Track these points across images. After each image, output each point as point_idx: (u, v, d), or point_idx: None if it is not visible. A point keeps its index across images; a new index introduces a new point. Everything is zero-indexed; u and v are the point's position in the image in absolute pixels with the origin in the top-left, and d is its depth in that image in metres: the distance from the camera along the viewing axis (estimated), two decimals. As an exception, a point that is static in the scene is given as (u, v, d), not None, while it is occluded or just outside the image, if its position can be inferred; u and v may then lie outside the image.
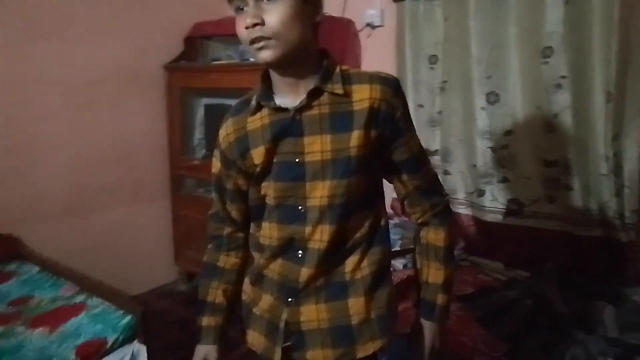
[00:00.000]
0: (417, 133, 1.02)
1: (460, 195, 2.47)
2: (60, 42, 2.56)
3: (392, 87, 0.94)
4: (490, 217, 2.35)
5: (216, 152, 1.08)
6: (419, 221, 1.06)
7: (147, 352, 1.66)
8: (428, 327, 1.05)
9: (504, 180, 2.30)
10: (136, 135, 2.97)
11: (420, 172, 1.02)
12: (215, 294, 1.12)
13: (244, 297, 1.11)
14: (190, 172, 3.00)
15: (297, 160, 0.94)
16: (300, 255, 0.97)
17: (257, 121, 0.98)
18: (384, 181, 1.05)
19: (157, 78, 3.02)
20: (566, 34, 2.03)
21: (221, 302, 1.12)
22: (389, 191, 1.08)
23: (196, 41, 3.08)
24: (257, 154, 0.97)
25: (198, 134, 3.16)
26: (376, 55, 2.74)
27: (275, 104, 0.95)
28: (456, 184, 2.48)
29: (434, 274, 1.05)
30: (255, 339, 1.05)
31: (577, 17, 2.00)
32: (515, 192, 2.28)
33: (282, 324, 0.99)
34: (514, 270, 2.15)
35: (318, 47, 0.97)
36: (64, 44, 2.57)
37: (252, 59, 2.21)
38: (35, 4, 2.44)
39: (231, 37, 2.18)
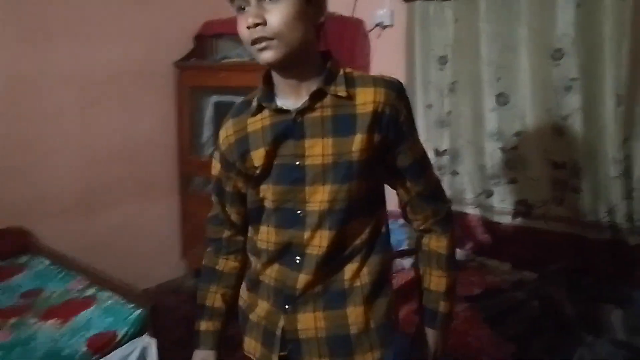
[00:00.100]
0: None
1: (469, 195, 2.48)
2: (73, 39, 2.58)
3: (397, 90, 0.93)
4: (498, 218, 2.36)
5: (216, 154, 1.07)
6: (421, 228, 1.04)
7: (157, 346, 1.67)
8: (431, 334, 1.05)
9: (513, 181, 2.30)
10: (146, 132, 2.99)
11: (423, 178, 1.00)
12: (214, 298, 1.10)
13: (240, 302, 1.09)
14: (199, 170, 3.01)
15: (297, 163, 0.92)
16: (298, 261, 0.95)
17: (257, 122, 0.96)
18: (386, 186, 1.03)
19: (167, 76, 3.04)
20: (577, 36, 2.02)
21: (220, 307, 1.10)
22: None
23: (206, 39, 3.10)
24: (257, 156, 0.95)
25: (207, 131, 3.17)
26: (386, 55, 2.75)
27: (276, 105, 0.94)
28: (464, 184, 2.49)
29: (436, 281, 1.03)
30: (251, 346, 1.03)
31: (588, 19, 1.99)
32: (524, 194, 2.28)
33: (278, 332, 0.97)
34: (522, 272, 2.15)
35: (321, 48, 0.96)
36: (76, 42, 2.60)
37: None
38: (48, 2, 2.46)
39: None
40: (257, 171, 0.95)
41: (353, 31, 2.74)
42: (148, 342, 1.66)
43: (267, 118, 0.95)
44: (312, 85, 0.92)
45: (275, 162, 0.94)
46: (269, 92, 0.96)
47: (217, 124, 3.08)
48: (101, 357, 1.56)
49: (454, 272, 1.04)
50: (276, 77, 0.95)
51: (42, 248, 2.31)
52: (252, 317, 1.03)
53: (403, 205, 1.05)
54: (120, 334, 1.62)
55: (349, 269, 0.95)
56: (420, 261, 1.06)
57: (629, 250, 1.98)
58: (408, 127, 0.96)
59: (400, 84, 0.95)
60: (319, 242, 0.92)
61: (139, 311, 1.71)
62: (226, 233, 1.10)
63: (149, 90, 2.98)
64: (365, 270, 0.96)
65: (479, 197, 2.44)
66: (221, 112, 3.04)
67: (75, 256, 2.23)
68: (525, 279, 2.08)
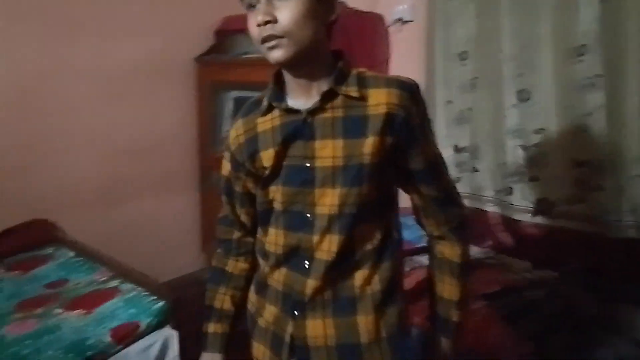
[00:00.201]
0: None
1: (489, 193, 2.46)
2: (95, 35, 2.63)
3: (411, 92, 0.90)
4: (518, 216, 2.33)
5: (226, 154, 1.06)
6: (434, 234, 1.01)
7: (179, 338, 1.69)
8: (442, 342, 1.03)
9: (534, 179, 2.28)
10: (167, 127, 3.03)
11: (437, 182, 0.97)
12: (223, 300, 1.09)
13: (249, 305, 1.07)
14: (219, 165, 3.02)
15: (307, 164, 0.90)
16: (306, 266, 0.92)
17: (267, 122, 0.95)
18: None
19: (187, 71, 3.08)
20: (601, 32, 1.99)
21: (228, 309, 1.09)
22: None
23: (226, 35, 3.12)
24: (267, 157, 0.93)
25: (226, 126, 3.19)
26: (406, 51, 2.74)
27: (286, 105, 0.92)
28: (484, 181, 2.47)
29: (448, 289, 1.00)
30: (260, 351, 1.01)
31: (612, 15, 1.96)
32: (545, 192, 2.25)
33: (287, 338, 0.94)
34: (541, 270, 2.13)
35: (332, 47, 0.94)
36: (98, 37, 2.64)
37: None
38: (73, -2, 2.51)
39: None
40: (267, 172, 0.94)
41: (373, 26, 2.73)
42: (170, 334, 1.68)
43: (277, 118, 0.94)
44: (323, 85, 0.90)
45: (284, 163, 0.93)
46: (279, 92, 0.95)
47: (237, 119, 3.12)
48: (124, 347, 1.58)
49: (467, 281, 1.01)
50: (287, 77, 0.94)
51: (66, 240, 2.35)
52: (261, 322, 1.01)
53: (416, 209, 1.02)
54: (143, 325, 1.64)
55: (360, 275, 0.93)
56: (434, 267, 1.03)
57: (652, 250, 1.95)
58: (422, 130, 0.92)
59: (416, 85, 0.92)
60: (328, 246, 0.90)
61: (161, 303, 1.73)
62: (236, 234, 1.09)
63: (170, 85, 3.02)
64: (376, 277, 0.93)
65: (499, 194, 2.42)
66: (241, 107, 3.06)
67: (96, 247, 2.28)
68: (544, 278, 2.06)
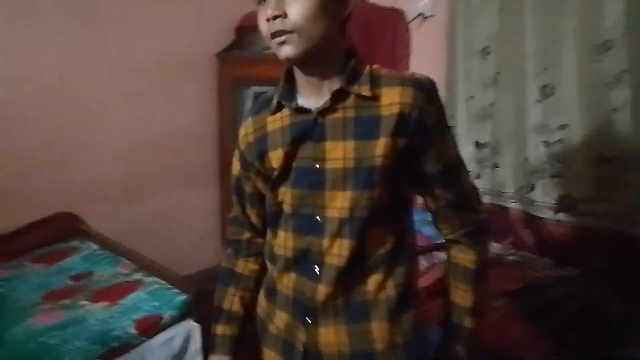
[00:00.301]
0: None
1: (510, 189, 2.43)
2: (120, 31, 2.67)
3: (426, 90, 0.86)
4: (539, 213, 2.30)
5: (236, 153, 1.03)
6: (449, 238, 0.97)
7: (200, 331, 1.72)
8: (456, 348, 0.99)
9: (556, 175, 2.25)
10: (188, 122, 3.07)
11: (455, 185, 0.92)
12: (232, 301, 1.07)
13: (258, 310, 1.05)
14: (239, 159, 3.06)
15: (316, 166, 0.87)
16: (316, 271, 0.89)
17: (277, 122, 0.92)
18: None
19: (209, 67, 3.11)
20: (627, 27, 1.95)
21: (237, 311, 1.06)
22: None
23: (247, 31, 3.13)
24: (275, 157, 0.91)
25: (247, 121, 3.23)
26: (427, 46, 2.72)
27: (297, 104, 0.90)
28: (506, 178, 2.45)
29: (461, 295, 0.97)
30: (271, 358, 0.99)
31: (639, 10, 1.92)
32: (568, 188, 2.22)
33: (300, 346, 0.92)
34: (563, 268, 2.11)
35: (345, 45, 0.90)
36: (123, 33, 2.68)
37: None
38: (97, -5, 2.55)
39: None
40: (275, 173, 0.91)
41: (394, 22, 2.72)
42: (192, 327, 1.70)
43: (286, 117, 0.91)
44: (335, 84, 0.87)
45: (294, 165, 0.90)
46: (290, 90, 0.92)
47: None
48: (148, 339, 1.61)
49: (481, 287, 0.97)
50: (297, 75, 0.91)
51: (90, 233, 2.40)
52: (272, 328, 0.99)
53: (431, 214, 0.98)
54: (166, 317, 1.67)
55: (373, 281, 0.90)
56: (448, 272, 1.00)
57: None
58: (438, 131, 0.88)
59: (432, 83, 0.88)
60: (339, 250, 0.87)
61: (183, 296, 1.76)
62: (246, 235, 1.07)
63: (192, 81, 3.05)
64: (390, 282, 0.90)
65: (520, 191, 2.39)
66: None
67: (119, 240, 2.32)
68: (566, 276, 2.04)
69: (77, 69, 2.53)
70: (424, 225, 1.88)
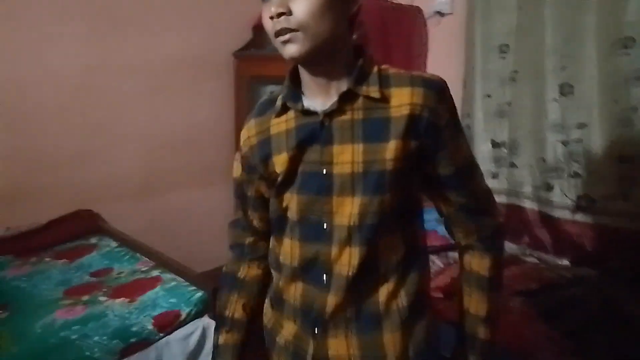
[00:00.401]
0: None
1: (527, 189, 2.41)
2: (138, 31, 2.70)
3: (437, 90, 0.82)
4: (558, 213, 2.28)
5: (237, 155, 0.99)
6: (463, 244, 0.93)
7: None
8: (469, 357, 0.95)
9: (575, 175, 2.22)
10: (206, 120, 3.10)
11: (468, 188, 0.88)
12: (235, 308, 1.01)
13: (265, 320, 1.00)
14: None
15: (324, 171, 0.83)
16: (325, 280, 0.85)
17: (281, 124, 0.87)
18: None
19: (226, 66, 3.13)
20: (650, 23, 1.92)
21: (240, 318, 1.01)
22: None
23: (264, 30, 3.12)
24: (280, 162, 0.86)
25: (263, 120, 3.24)
26: (444, 43, 2.71)
27: (302, 106, 0.85)
28: (523, 177, 2.43)
29: (475, 304, 0.92)
30: None
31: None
32: (586, 188, 2.20)
33: (309, 358, 0.88)
34: (581, 268, 2.09)
35: (353, 43, 0.86)
36: (141, 33, 2.71)
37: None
38: (117, -5, 2.58)
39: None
40: (279, 178, 0.87)
41: (411, 19, 2.71)
42: (209, 323, 1.72)
43: (292, 120, 0.86)
44: (343, 85, 0.83)
45: (299, 169, 0.86)
46: (295, 91, 0.87)
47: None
48: (166, 335, 1.64)
49: (497, 296, 0.93)
50: (303, 74, 0.86)
51: (109, 230, 2.44)
52: (279, 339, 0.94)
53: (444, 218, 0.94)
54: (184, 314, 1.70)
55: (384, 290, 0.85)
56: (462, 279, 0.95)
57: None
58: (451, 133, 0.84)
59: (443, 82, 0.84)
60: (349, 259, 0.83)
61: (200, 293, 1.78)
62: (249, 239, 1.03)
63: (209, 80, 3.08)
64: (402, 291, 0.86)
65: (537, 190, 2.37)
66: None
67: (137, 237, 2.36)
68: (584, 276, 2.02)
69: (97, 68, 2.57)
70: (438, 224, 1.88)
